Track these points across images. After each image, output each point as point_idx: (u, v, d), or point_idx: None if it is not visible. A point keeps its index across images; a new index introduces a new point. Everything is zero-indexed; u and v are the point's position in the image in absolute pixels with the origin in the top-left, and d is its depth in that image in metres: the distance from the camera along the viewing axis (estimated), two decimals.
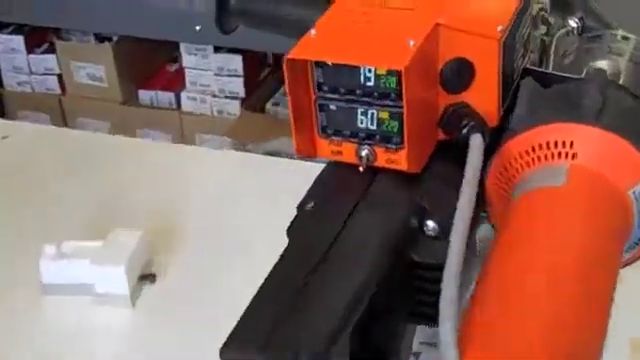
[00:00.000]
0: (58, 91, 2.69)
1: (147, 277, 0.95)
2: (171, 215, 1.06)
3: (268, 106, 2.56)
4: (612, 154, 0.61)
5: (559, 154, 0.62)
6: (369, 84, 0.58)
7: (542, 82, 0.68)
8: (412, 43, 0.57)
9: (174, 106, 2.61)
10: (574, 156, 0.61)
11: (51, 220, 1.06)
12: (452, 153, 0.63)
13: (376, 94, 0.59)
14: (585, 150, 0.61)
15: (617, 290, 0.56)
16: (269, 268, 0.55)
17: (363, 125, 0.60)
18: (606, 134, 0.61)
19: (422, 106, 0.60)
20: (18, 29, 2.65)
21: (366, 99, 0.59)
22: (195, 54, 2.53)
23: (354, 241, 0.57)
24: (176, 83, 2.61)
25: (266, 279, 0.55)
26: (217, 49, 2.50)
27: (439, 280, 0.58)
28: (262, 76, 2.62)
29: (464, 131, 0.60)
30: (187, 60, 2.55)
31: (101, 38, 2.57)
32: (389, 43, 0.58)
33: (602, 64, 0.73)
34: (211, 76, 2.54)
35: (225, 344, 0.49)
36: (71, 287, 0.96)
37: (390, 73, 0.57)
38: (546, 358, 0.50)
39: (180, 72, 2.60)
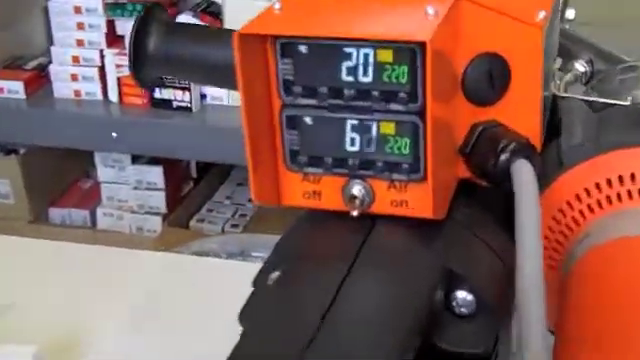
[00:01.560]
0: None
1: None
2: (74, 329, 0.85)
3: (192, 223, 2.35)
4: None
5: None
6: (365, 79, 0.38)
7: None
8: (432, 12, 0.37)
9: (89, 224, 2.39)
10: None
11: None
12: (474, 195, 0.43)
13: (376, 95, 0.38)
14: None
15: None
16: None
17: (355, 147, 0.40)
18: None
19: (445, 117, 0.40)
20: None
21: (360, 103, 0.39)
22: (112, 166, 2.33)
23: (349, 322, 0.36)
24: (91, 199, 2.39)
25: None
26: (135, 159, 2.30)
27: None
28: (185, 190, 2.42)
29: (503, 157, 0.40)
30: (102, 173, 2.35)
31: (7, 150, 2.35)
32: (398, 11, 0.38)
33: None
34: (129, 190, 2.33)
35: None
36: None
37: (399, 59, 0.37)
38: None
39: (95, 187, 2.38)
